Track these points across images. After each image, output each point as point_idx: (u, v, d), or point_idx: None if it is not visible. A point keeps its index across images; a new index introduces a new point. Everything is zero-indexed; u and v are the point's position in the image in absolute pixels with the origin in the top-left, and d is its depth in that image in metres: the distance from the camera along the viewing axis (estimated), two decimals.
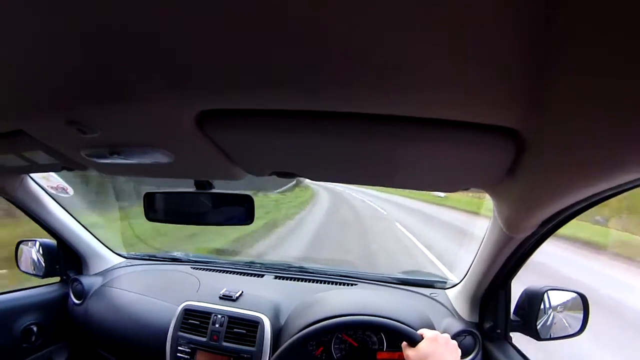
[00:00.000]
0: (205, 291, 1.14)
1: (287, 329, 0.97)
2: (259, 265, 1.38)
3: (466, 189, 0.62)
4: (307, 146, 0.49)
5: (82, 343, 1.28)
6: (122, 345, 1.15)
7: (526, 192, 0.51)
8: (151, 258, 1.48)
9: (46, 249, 1.24)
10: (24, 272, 1.27)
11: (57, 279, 1.30)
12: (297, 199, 12.34)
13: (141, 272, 1.35)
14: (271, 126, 0.44)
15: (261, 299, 1.07)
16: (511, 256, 0.76)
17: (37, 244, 1.25)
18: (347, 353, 0.94)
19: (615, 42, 0.22)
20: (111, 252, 1.43)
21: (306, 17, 0.25)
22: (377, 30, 0.25)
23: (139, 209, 0.82)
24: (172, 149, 0.54)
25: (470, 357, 0.90)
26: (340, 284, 1.21)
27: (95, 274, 1.34)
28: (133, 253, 1.51)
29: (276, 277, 1.27)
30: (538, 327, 0.88)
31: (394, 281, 1.22)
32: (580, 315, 0.90)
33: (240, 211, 0.74)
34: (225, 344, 0.95)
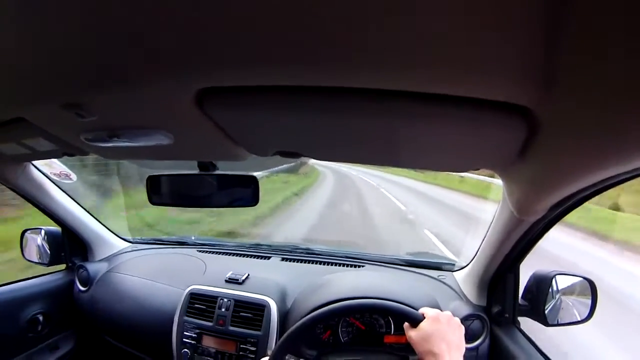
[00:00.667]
0: (212, 274, 1.14)
1: (293, 313, 0.96)
2: (265, 247, 1.38)
3: (476, 170, 0.60)
4: (312, 124, 0.47)
5: (89, 330, 1.28)
6: (128, 331, 1.15)
7: (537, 174, 0.49)
8: (157, 242, 1.48)
9: (51, 237, 1.24)
10: (29, 261, 1.27)
11: (63, 266, 1.30)
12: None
13: (147, 257, 1.35)
14: (273, 103, 0.42)
15: (268, 281, 1.06)
16: (520, 239, 0.74)
17: (42, 232, 1.25)
18: (355, 336, 0.93)
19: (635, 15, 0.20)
20: (117, 237, 1.43)
21: None
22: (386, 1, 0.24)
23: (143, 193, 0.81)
24: (172, 129, 0.53)
25: (478, 341, 0.89)
26: (347, 265, 1.20)
27: (101, 260, 1.34)
28: (139, 237, 1.50)
29: (283, 259, 1.26)
30: (546, 312, 0.87)
31: (402, 263, 1.22)
32: (589, 301, 0.88)
33: (245, 192, 0.73)
34: (231, 328, 0.95)
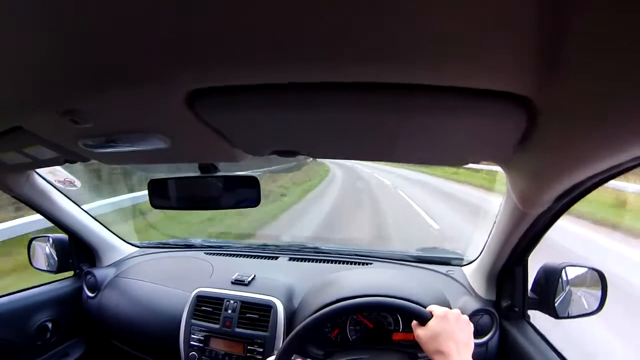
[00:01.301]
0: (218, 276, 1.14)
1: (300, 312, 0.96)
2: (272, 247, 1.37)
3: (476, 162, 0.59)
4: (308, 121, 0.46)
5: (98, 336, 1.29)
6: (136, 335, 1.16)
7: (540, 166, 0.48)
8: (164, 245, 1.48)
9: (58, 244, 1.25)
10: (37, 269, 1.28)
11: (71, 273, 1.31)
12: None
13: (154, 261, 1.35)
14: (266, 101, 0.41)
15: (274, 282, 1.06)
16: (527, 232, 0.73)
17: (50, 239, 1.26)
18: (363, 335, 0.93)
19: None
20: (123, 242, 1.44)
21: None
22: None
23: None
24: (167, 133, 0.52)
25: (488, 336, 0.88)
26: (355, 263, 1.20)
27: (108, 266, 1.34)
28: (146, 242, 1.51)
29: (290, 259, 1.26)
30: (556, 305, 0.86)
31: (410, 259, 1.21)
32: (599, 292, 0.87)
33: (246, 193, 0.73)
34: (238, 329, 0.95)
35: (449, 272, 1.10)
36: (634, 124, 0.30)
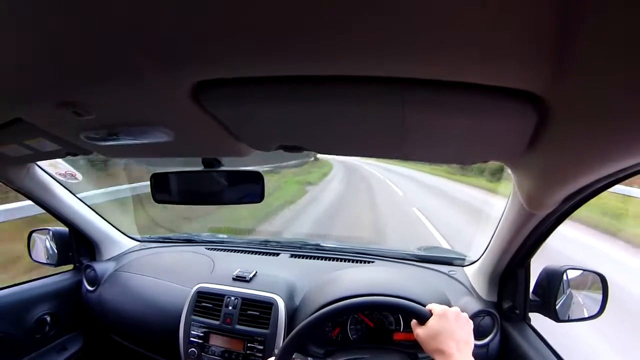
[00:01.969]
0: (219, 272, 1.13)
1: (302, 310, 0.96)
2: (274, 243, 1.37)
3: (484, 161, 0.59)
4: (314, 115, 0.46)
5: (97, 330, 1.29)
6: (136, 330, 1.15)
7: (548, 166, 0.48)
8: (165, 240, 1.48)
9: (58, 237, 1.24)
10: (36, 262, 1.27)
11: (71, 266, 1.30)
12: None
13: (154, 255, 1.35)
14: (273, 94, 0.41)
15: (275, 278, 1.06)
16: (531, 233, 0.73)
17: (50, 232, 1.25)
18: (364, 334, 0.92)
19: None
20: (124, 236, 1.43)
21: None
22: None
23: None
24: (171, 126, 0.52)
25: (489, 338, 0.88)
26: (357, 261, 1.19)
27: (108, 260, 1.34)
28: (147, 236, 1.51)
29: (292, 256, 1.25)
30: (557, 307, 0.86)
31: (412, 258, 1.20)
32: (599, 296, 0.87)
33: (250, 189, 0.72)
34: (238, 326, 0.95)
35: (451, 272, 1.10)
36: None
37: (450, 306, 0.90)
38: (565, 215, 0.67)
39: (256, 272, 1.07)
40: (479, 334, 0.87)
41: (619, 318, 2.39)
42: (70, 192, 1.19)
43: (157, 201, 0.77)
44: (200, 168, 0.70)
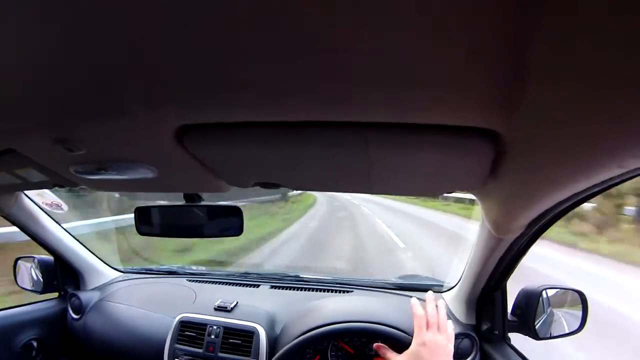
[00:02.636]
0: (201, 303, 1.14)
1: (282, 338, 0.97)
2: (254, 275, 1.38)
3: (450, 192, 0.62)
4: (290, 156, 0.49)
5: (83, 358, 1.27)
6: (121, 358, 1.15)
7: (510, 193, 0.51)
8: (148, 272, 1.48)
9: (44, 265, 1.24)
10: (22, 288, 1.27)
11: (56, 294, 1.30)
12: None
13: (138, 286, 1.35)
14: (252, 138, 0.44)
15: (256, 309, 1.07)
16: (502, 258, 0.75)
17: (35, 260, 1.25)
18: None
19: (590, 44, 0.22)
20: (108, 267, 1.43)
21: (277, 29, 0.25)
22: (353, 33, 0.25)
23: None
24: (156, 163, 0.54)
25: (468, 359, 0.89)
26: (336, 291, 1.21)
27: (93, 289, 1.34)
28: (130, 267, 1.51)
29: (272, 287, 1.26)
30: (537, 326, 0.87)
31: (391, 286, 1.22)
32: (579, 313, 0.89)
33: (229, 222, 0.75)
34: (221, 354, 0.96)
35: None
36: (598, 152, 0.32)
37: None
38: (535, 238, 0.69)
39: (237, 303, 1.08)
40: (458, 356, 0.88)
41: None
42: (56, 221, 1.20)
43: (141, 233, 0.78)
44: (182, 202, 0.72)
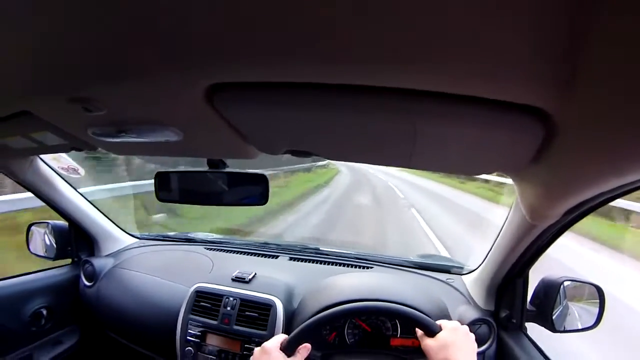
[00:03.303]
0: (218, 272, 1.13)
1: (300, 313, 0.96)
2: (273, 246, 1.37)
3: (489, 173, 0.59)
4: (324, 122, 0.46)
5: (93, 326, 1.28)
6: (132, 327, 1.15)
7: (552, 178, 0.48)
8: (164, 238, 1.48)
9: (58, 231, 1.24)
10: (34, 254, 1.27)
11: (69, 261, 1.30)
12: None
13: (153, 253, 1.35)
14: (286, 100, 0.41)
15: (274, 281, 1.06)
16: (531, 244, 0.73)
17: (49, 226, 1.25)
18: (361, 338, 0.92)
19: None
20: (124, 233, 1.43)
21: None
22: None
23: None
24: (181, 126, 0.52)
25: (485, 346, 0.88)
26: (355, 266, 1.20)
27: (107, 256, 1.33)
28: (146, 233, 1.50)
29: (291, 259, 1.25)
30: (554, 318, 0.86)
31: (410, 265, 1.21)
32: (596, 308, 0.87)
33: (254, 191, 0.72)
34: (236, 327, 0.95)
35: (449, 280, 1.10)
36: None
37: (448, 313, 0.91)
38: (567, 227, 0.67)
39: (255, 274, 1.07)
40: (475, 342, 0.87)
41: None
42: (72, 186, 1.19)
43: (161, 200, 0.77)
44: (205, 168, 0.71)
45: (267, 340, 0.69)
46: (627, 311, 2.85)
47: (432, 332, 0.69)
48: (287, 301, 0.99)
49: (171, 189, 0.77)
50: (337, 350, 0.90)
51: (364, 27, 0.27)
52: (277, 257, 1.27)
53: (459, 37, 0.27)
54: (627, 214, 5.83)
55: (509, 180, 0.62)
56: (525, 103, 0.35)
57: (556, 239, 0.71)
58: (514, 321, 0.87)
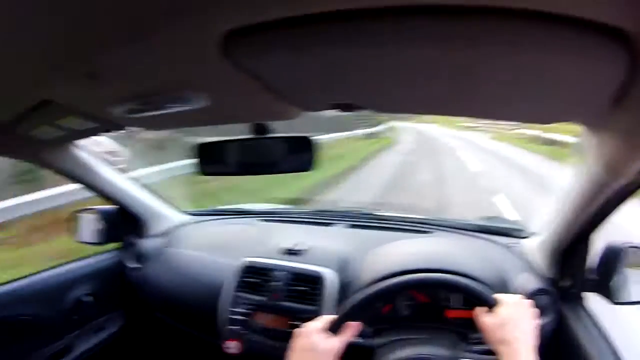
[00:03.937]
0: (269, 244, 1.10)
1: (353, 285, 0.92)
2: (329, 213, 1.34)
3: (563, 121, 0.53)
4: (365, 61, 0.39)
5: (139, 309, 1.29)
6: (180, 308, 1.15)
7: (636, 126, 0.43)
8: (216, 212, 1.47)
9: (105, 215, 1.24)
10: (82, 242, 1.28)
11: (116, 245, 1.32)
12: None
13: (203, 229, 1.34)
14: (317, 38, 0.35)
15: (328, 251, 1.02)
16: (604, 205, 0.67)
17: (97, 211, 1.25)
18: (415, 310, 0.89)
19: None
20: (173, 211, 1.41)
21: None
22: None
23: None
24: (204, 89, 0.49)
25: (545, 319, 0.82)
26: (415, 231, 1.16)
27: (155, 236, 1.33)
28: (198, 210, 1.50)
29: (347, 226, 1.22)
30: (616, 288, 0.81)
31: (472, 228, 1.16)
32: None
33: (301, 156, 0.70)
34: (285, 303, 0.93)
35: (510, 244, 1.04)
36: None
37: (508, 281, 0.86)
38: None
39: (308, 245, 1.04)
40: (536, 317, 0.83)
41: None
42: (114, 169, 1.19)
43: (205, 173, 0.76)
44: (248, 136, 0.69)
45: (317, 316, 0.68)
46: None
47: (489, 306, 0.64)
48: (341, 272, 0.95)
49: (215, 161, 0.76)
50: (391, 324, 0.87)
51: None
52: (332, 224, 1.24)
53: None
54: None
55: None
56: (603, 22, 0.29)
57: (629, 198, 0.65)
58: (574, 291, 0.82)
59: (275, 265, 0.98)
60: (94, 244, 1.27)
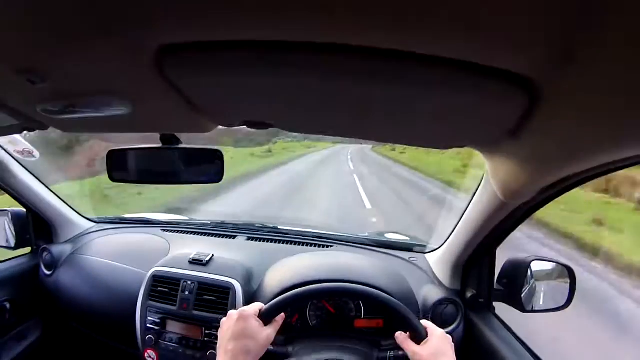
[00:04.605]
0: (175, 255, 1.09)
1: (260, 295, 0.93)
2: (231, 225, 1.33)
3: (461, 146, 0.57)
4: (283, 88, 0.42)
5: (55, 317, 1.23)
6: (94, 316, 1.11)
7: (530, 155, 0.46)
8: (121, 221, 1.43)
9: (17, 219, 1.18)
10: None
11: (28, 250, 1.25)
12: None
13: (111, 237, 1.30)
14: (244, 62, 0.37)
15: (233, 262, 1.03)
16: (502, 223, 0.72)
17: (9, 214, 1.18)
18: (324, 320, 0.91)
19: None
20: (81, 217, 1.38)
21: None
22: None
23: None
24: (130, 97, 0.48)
25: (452, 327, 0.88)
26: (315, 245, 1.17)
27: (65, 242, 1.28)
28: (103, 217, 1.46)
29: (249, 239, 1.22)
30: (522, 298, 0.86)
31: (372, 243, 1.19)
32: (566, 288, 0.88)
33: (209, 167, 0.69)
34: (195, 312, 0.92)
35: (412, 258, 1.08)
36: (634, 122, 0.29)
37: (412, 294, 0.89)
38: (540, 206, 0.65)
39: (213, 255, 1.04)
40: (442, 322, 0.87)
41: None
42: (28, 170, 1.13)
43: (114, 180, 0.73)
44: (159, 145, 0.67)
45: None
46: None
47: (420, 337, 0.65)
48: (246, 283, 0.96)
49: (125, 168, 0.73)
50: (300, 333, 0.88)
51: None
52: (234, 237, 1.24)
53: None
54: None
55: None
56: (510, 70, 0.32)
57: (527, 216, 0.70)
58: (482, 301, 0.87)
59: (183, 274, 0.97)
60: (5, 248, 1.20)
